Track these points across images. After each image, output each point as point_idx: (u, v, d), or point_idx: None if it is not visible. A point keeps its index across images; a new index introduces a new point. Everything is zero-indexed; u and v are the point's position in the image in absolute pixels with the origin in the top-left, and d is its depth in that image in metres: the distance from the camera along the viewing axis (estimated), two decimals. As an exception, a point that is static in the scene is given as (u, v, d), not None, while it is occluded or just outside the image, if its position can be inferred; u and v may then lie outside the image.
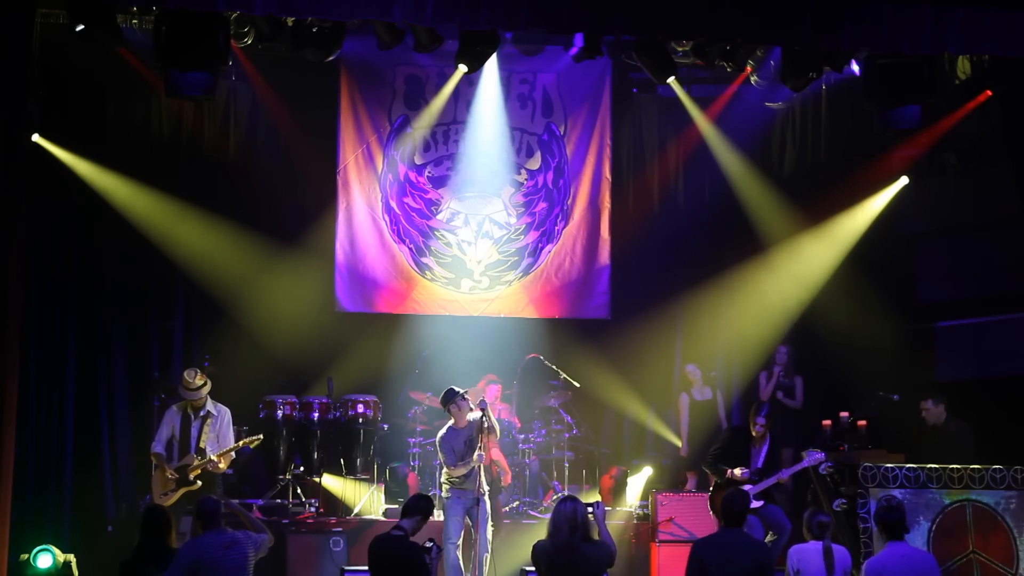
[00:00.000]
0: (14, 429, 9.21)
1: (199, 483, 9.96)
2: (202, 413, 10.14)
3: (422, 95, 12.70)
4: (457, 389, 10.13)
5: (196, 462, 9.96)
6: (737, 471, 10.04)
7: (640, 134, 13.20)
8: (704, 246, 13.07)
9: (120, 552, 9.11)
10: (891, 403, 11.65)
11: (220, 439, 10.13)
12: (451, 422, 10.14)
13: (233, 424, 10.36)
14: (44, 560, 9.94)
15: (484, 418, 9.89)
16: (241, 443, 10.23)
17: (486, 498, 9.85)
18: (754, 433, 10.24)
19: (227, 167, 12.13)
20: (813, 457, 10.16)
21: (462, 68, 11.53)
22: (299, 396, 11.72)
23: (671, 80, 11.87)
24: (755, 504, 9.93)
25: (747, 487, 9.93)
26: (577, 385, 12.08)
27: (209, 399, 10.20)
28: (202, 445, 10.04)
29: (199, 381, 10.09)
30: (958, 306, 12.46)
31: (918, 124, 10.94)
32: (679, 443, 12.33)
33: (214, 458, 9.99)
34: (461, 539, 9.90)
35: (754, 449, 10.23)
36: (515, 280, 12.92)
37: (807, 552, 8.17)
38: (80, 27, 10.11)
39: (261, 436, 10.57)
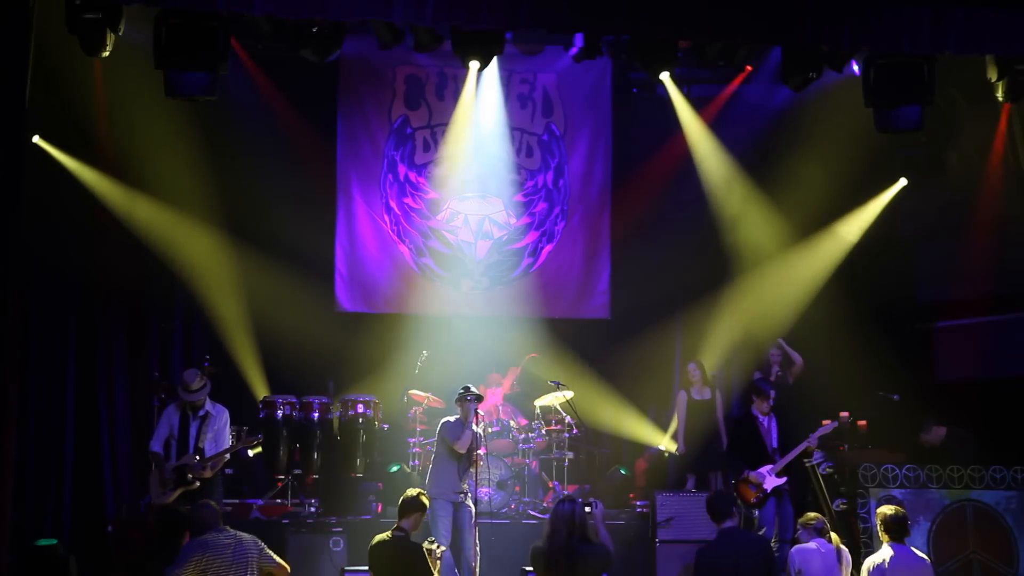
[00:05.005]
0: (14, 429, 9.20)
1: (197, 483, 9.93)
2: (200, 413, 10.13)
3: (422, 95, 12.71)
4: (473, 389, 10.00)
5: (196, 471, 9.95)
6: (753, 476, 10.07)
7: (640, 134, 13.19)
8: (704, 246, 13.05)
9: (120, 552, 9.11)
10: (891, 403, 11.65)
11: (216, 439, 10.12)
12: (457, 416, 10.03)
13: (233, 424, 10.37)
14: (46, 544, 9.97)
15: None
16: (237, 447, 10.21)
17: (469, 502, 9.81)
18: (763, 412, 10.28)
19: (226, 167, 12.12)
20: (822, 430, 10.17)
21: (474, 65, 11.31)
22: (299, 396, 11.70)
23: (669, 80, 11.85)
24: (778, 482, 9.95)
25: (767, 468, 9.98)
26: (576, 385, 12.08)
27: (208, 399, 10.20)
28: (200, 444, 10.03)
29: (199, 383, 10.09)
30: (958, 306, 12.46)
31: (918, 124, 10.93)
32: (675, 445, 12.29)
33: (206, 469, 9.97)
34: (449, 541, 9.80)
35: (763, 429, 10.26)
36: (515, 280, 12.92)
37: (808, 552, 8.20)
38: (80, 27, 10.09)
39: (261, 439, 10.55)
